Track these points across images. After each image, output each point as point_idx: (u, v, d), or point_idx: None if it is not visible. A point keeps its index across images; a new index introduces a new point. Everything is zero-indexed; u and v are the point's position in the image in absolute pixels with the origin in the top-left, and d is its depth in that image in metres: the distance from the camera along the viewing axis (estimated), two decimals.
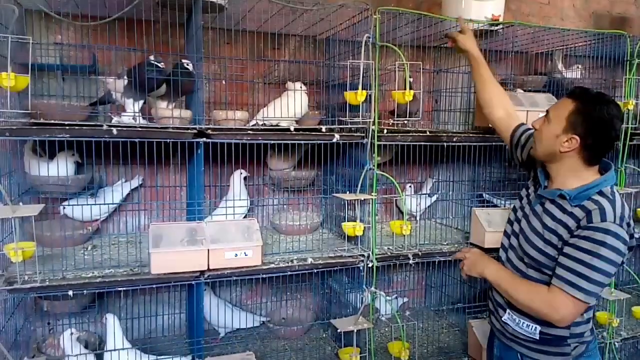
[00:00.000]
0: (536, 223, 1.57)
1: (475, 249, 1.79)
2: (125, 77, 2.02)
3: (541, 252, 1.53)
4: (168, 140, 1.92)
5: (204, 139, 1.98)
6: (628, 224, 1.46)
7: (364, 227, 2.16)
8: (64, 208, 2.17)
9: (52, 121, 1.79)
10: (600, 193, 1.48)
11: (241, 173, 2.42)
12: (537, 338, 1.57)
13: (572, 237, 1.46)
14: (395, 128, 2.32)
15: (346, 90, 2.07)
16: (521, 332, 1.59)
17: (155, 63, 1.99)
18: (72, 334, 1.99)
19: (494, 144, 2.49)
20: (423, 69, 2.23)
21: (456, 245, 2.43)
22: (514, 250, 1.66)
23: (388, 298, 2.71)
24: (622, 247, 1.41)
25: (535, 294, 1.51)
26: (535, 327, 1.56)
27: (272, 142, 2.16)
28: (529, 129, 1.81)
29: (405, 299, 2.91)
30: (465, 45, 1.97)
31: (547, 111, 1.55)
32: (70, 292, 1.79)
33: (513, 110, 1.92)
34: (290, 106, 2.23)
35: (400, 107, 2.26)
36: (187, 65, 2.03)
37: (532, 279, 1.57)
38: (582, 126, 1.45)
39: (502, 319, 1.64)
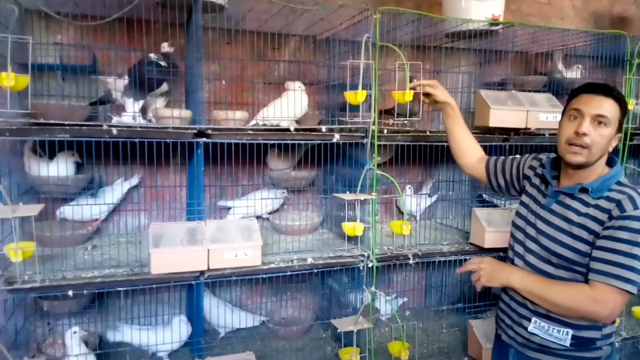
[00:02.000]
0: (558, 221, 1.53)
1: (487, 258, 1.69)
2: (126, 77, 2.02)
3: (571, 249, 1.49)
4: (168, 140, 1.92)
5: (204, 139, 1.98)
6: None
7: (364, 227, 2.16)
8: (61, 212, 2.16)
9: (52, 121, 1.79)
10: (619, 183, 1.49)
11: (284, 192, 2.53)
12: (568, 344, 1.51)
13: (606, 229, 1.43)
14: (395, 128, 2.32)
15: (346, 90, 2.07)
16: (551, 339, 1.53)
17: (156, 60, 1.98)
18: (75, 332, 1.99)
19: (494, 144, 2.49)
20: (423, 69, 2.23)
21: (456, 245, 2.43)
22: (534, 254, 1.59)
23: (388, 298, 2.71)
24: None
25: (576, 293, 1.45)
26: (567, 332, 1.50)
27: (272, 142, 2.16)
28: (491, 157, 1.91)
29: (405, 299, 2.91)
30: (443, 96, 1.96)
31: (597, 114, 1.47)
32: (70, 292, 1.79)
33: (480, 149, 1.99)
34: (290, 106, 2.23)
35: (401, 107, 2.26)
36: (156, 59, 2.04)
37: (562, 279, 1.52)
38: (621, 124, 1.52)
39: (529, 329, 1.56)
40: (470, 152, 1.96)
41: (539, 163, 1.73)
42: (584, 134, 1.47)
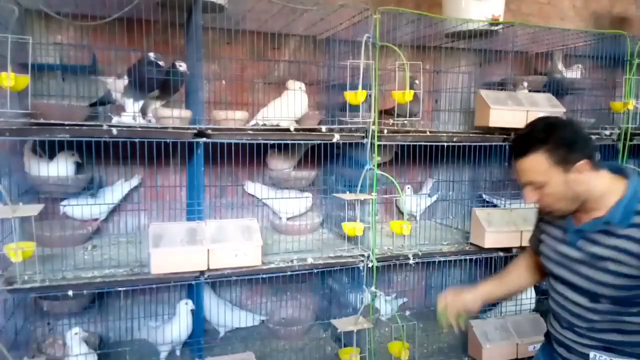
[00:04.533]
0: (591, 259, 1.35)
1: None
2: (126, 77, 2.02)
3: (615, 287, 1.30)
4: (168, 140, 1.92)
5: (204, 139, 1.98)
6: None
7: (364, 227, 2.16)
8: (64, 207, 2.17)
9: (52, 121, 1.79)
10: None
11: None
12: None
13: None
14: (395, 128, 2.32)
15: (346, 90, 2.07)
16: None
17: (155, 61, 1.98)
18: (76, 333, 1.97)
19: (493, 144, 2.49)
20: (423, 69, 2.23)
21: (456, 245, 2.43)
22: (579, 307, 1.40)
23: (388, 298, 2.71)
24: None
25: None
26: None
27: (272, 142, 2.16)
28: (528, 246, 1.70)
29: (405, 299, 2.91)
30: (473, 302, 1.61)
31: (530, 182, 1.34)
32: (70, 292, 1.80)
33: (526, 261, 1.70)
34: (290, 106, 2.23)
35: (401, 107, 2.26)
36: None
37: (605, 312, 1.35)
38: (566, 150, 1.28)
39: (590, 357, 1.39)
40: (528, 277, 1.67)
41: None
42: (536, 202, 1.37)
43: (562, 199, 1.33)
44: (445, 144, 2.40)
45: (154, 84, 2.02)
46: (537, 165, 1.30)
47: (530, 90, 2.65)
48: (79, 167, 2.18)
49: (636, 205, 1.29)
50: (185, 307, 2.14)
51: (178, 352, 2.26)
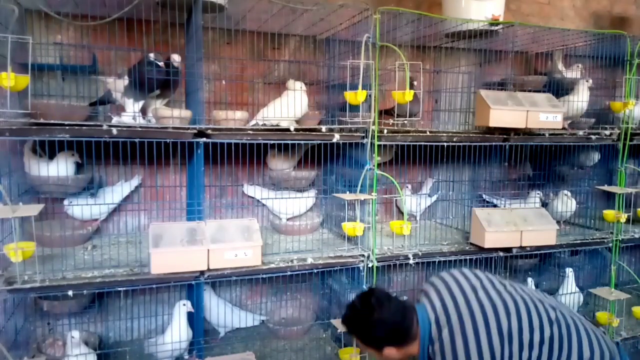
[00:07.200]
0: None
1: None
2: (126, 77, 2.02)
3: None
4: (168, 140, 1.92)
5: (204, 139, 1.98)
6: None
7: (364, 227, 2.16)
8: (69, 203, 2.16)
9: (52, 121, 1.79)
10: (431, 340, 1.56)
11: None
12: None
13: None
14: (395, 128, 2.32)
15: (346, 90, 2.07)
16: None
17: (155, 61, 1.98)
18: (73, 337, 1.94)
19: (493, 144, 2.49)
20: (423, 69, 2.23)
21: (456, 245, 2.43)
22: None
23: None
24: None
25: None
26: None
27: (272, 142, 2.16)
28: None
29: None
30: None
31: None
32: (70, 292, 1.80)
33: None
34: (290, 106, 2.23)
35: (401, 107, 2.26)
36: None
37: None
38: (372, 342, 1.62)
39: None
40: None
41: None
42: None
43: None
44: (445, 144, 2.40)
45: (154, 84, 2.02)
46: (359, 343, 1.69)
47: (530, 90, 2.64)
48: (79, 167, 2.18)
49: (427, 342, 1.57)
50: (184, 309, 2.12)
51: (186, 356, 2.22)
